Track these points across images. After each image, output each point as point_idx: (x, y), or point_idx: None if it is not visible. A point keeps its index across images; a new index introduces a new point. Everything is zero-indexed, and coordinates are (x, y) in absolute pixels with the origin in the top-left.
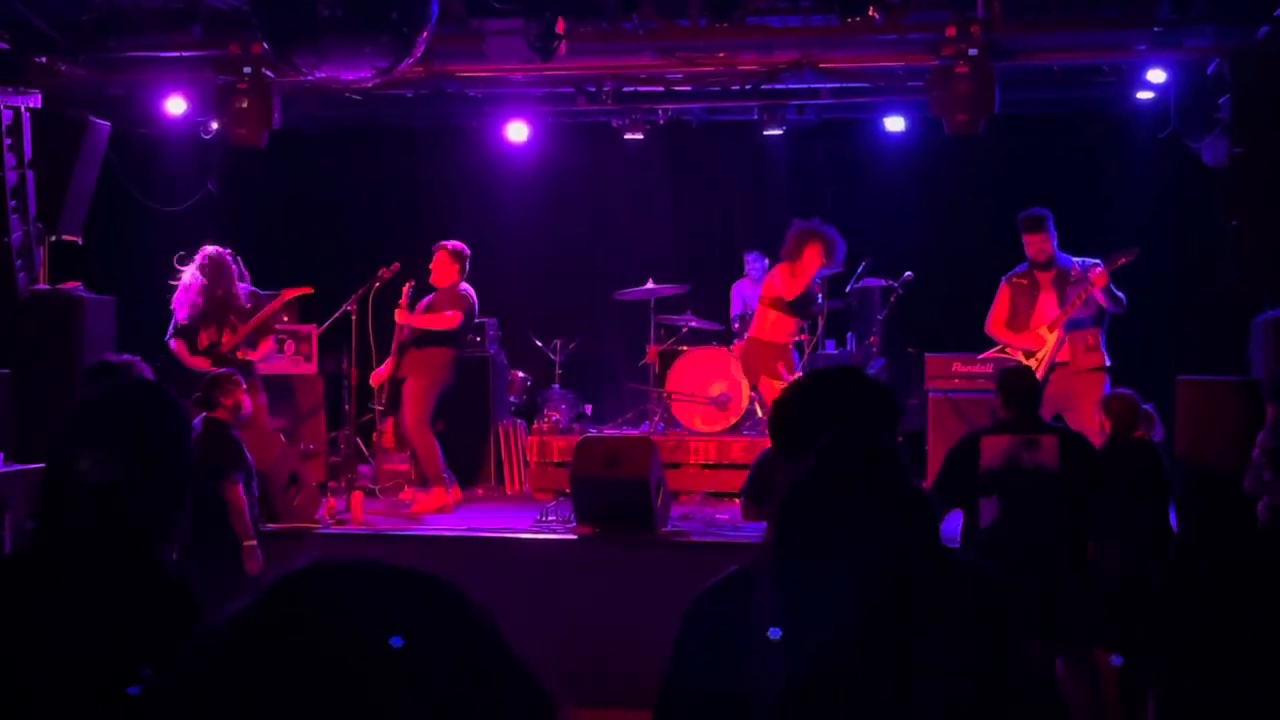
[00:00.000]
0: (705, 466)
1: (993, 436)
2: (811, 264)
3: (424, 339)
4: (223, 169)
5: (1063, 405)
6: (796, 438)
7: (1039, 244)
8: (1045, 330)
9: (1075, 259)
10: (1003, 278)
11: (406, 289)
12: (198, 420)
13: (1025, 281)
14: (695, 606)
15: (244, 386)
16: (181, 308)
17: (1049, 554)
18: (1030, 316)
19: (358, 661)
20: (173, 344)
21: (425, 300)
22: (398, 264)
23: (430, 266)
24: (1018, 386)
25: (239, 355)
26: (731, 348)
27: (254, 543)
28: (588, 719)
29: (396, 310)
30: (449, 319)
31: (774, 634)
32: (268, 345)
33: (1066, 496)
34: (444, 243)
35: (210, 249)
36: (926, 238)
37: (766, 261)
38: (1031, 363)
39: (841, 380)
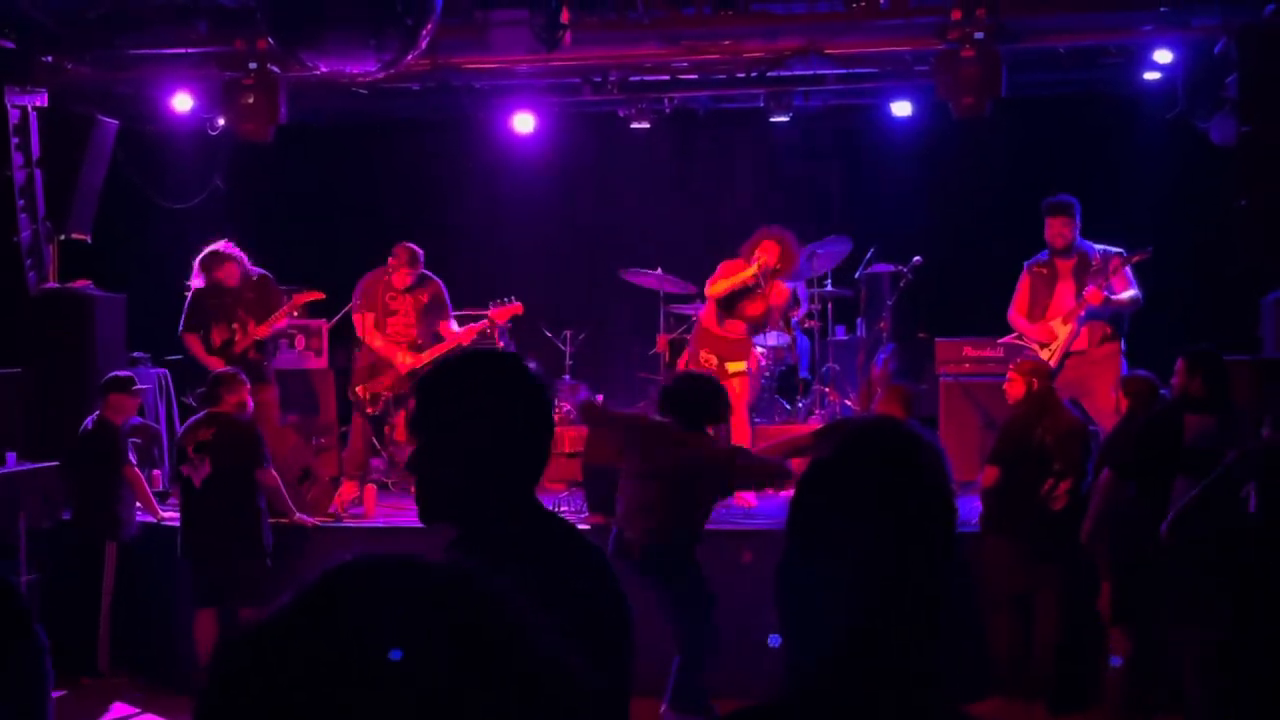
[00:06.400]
0: None
1: (1195, 415)
2: (737, 266)
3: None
4: (230, 164)
5: (1078, 391)
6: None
7: (1058, 228)
8: (1059, 323)
9: (1097, 246)
10: (1025, 265)
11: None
12: (203, 414)
13: (1045, 270)
14: None
15: (247, 386)
16: (190, 306)
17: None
18: (1048, 306)
19: (402, 659)
20: (186, 339)
21: (406, 300)
22: None
23: (401, 273)
24: (1219, 365)
25: (250, 356)
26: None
27: (299, 515)
28: None
29: (432, 354)
30: (472, 329)
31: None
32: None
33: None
34: (403, 249)
35: (208, 248)
36: (935, 222)
37: None
38: (1045, 354)
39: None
